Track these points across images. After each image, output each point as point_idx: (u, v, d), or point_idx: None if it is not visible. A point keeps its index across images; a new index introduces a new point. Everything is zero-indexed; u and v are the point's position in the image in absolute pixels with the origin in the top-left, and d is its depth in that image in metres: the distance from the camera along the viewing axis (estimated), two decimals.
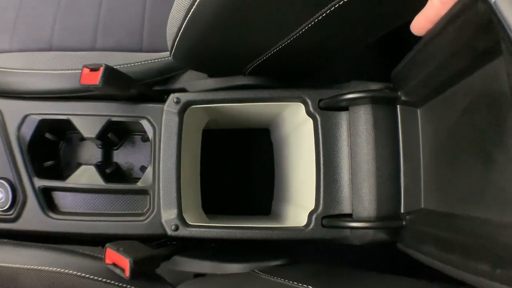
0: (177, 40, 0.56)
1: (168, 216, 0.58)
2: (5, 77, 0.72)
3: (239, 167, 0.86)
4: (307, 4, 0.44)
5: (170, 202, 0.58)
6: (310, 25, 0.48)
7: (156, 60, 0.70)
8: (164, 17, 0.73)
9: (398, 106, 0.54)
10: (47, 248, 0.67)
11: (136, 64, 0.70)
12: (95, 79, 0.59)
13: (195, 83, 0.67)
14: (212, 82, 0.66)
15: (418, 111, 0.52)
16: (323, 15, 0.45)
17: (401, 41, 0.76)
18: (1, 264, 0.67)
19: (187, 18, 0.51)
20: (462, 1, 0.33)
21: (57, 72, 0.71)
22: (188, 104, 0.60)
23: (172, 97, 0.59)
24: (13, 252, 0.68)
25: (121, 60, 0.70)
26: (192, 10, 0.49)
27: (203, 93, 0.60)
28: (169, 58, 0.70)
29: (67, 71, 0.70)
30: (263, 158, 0.84)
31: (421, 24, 0.39)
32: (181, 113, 0.59)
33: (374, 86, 0.55)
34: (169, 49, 0.60)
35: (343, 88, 0.58)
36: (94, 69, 0.60)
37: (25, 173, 0.70)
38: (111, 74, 0.60)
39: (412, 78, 0.49)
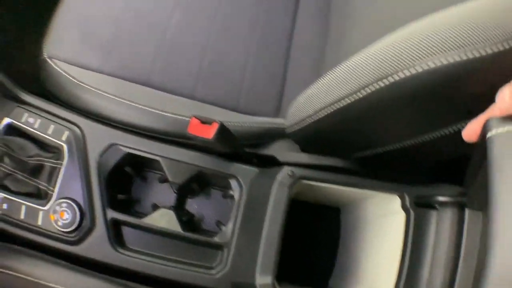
0: (303, 124, 0.60)
1: (264, 280, 0.60)
2: (95, 99, 0.73)
3: (298, 238, 0.89)
4: (444, 119, 0.50)
5: (268, 267, 0.61)
6: (433, 137, 0.54)
7: (254, 125, 0.74)
8: (263, 82, 0.78)
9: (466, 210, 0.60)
10: (114, 283, 0.67)
11: (235, 124, 0.73)
12: (208, 133, 0.61)
13: (286, 154, 0.71)
14: (305, 157, 0.69)
15: (481, 214, 0.59)
16: (451, 130, 0.52)
17: None
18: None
19: (324, 112, 0.55)
20: None
21: (155, 111, 0.72)
22: (300, 178, 0.64)
23: (287, 169, 0.63)
24: (75, 278, 0.67)
25: (220, 117, 0.72)
26: (334, 106, 0.53)
27: (316, 172, 0.64)
28: (266, 125, 0.74)
29: (166, 114, 0.72)
30: (324, 234, 0.88)
31: (475, 129, 0.40)
32: (292, 186, 0.63)
33: (460, 190, 0.61)
34: (288, 124, 0.64)
35: (434, 188, 0.64)
36: (205, 122, 0.62)
37: (98, 201, 0.69)
38: (224, 132, 0.63)
39: (477, 183, 0.56)
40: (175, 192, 0.75)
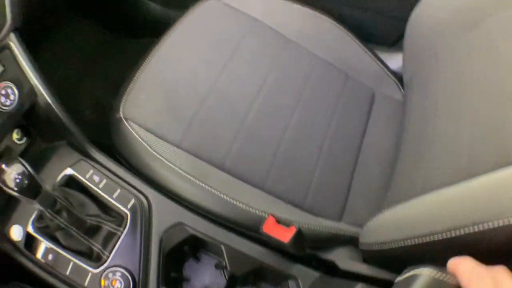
0: (384, 246, 0.61)
1: None
2: (167, 172, 0.73)
3: None
4: None
5: None
6: None
7: (321, 229, 0.74)
8: (330, 184, 0.79)
9: None
10: None
11: (302, 225, 0.73)
12: (284, 236, 0.61)
13: (347, 262, 0.71)
14: (367, 269, 0.69)
15: None
16: None
17: None
18: None
19: (411, 241, 0.56)
20: None
21: (226, 198, 0.73)
22: None
23: (362, 286, 0.63)
24: None
25: (285, 213, 0.73)
26: (422, 239, 0.54)
27: None
28: (332, 230, 0.74)
29: (237, 204, 0.72)
30: None
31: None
32: None
33: None
34: (366, 241, 0.64)
35: None
36: (281, 222, 0.62)
37: (154, 277, 0.69)
38: (299, 238, 0.63)
39: None
40: (226, 279, 0.74)
